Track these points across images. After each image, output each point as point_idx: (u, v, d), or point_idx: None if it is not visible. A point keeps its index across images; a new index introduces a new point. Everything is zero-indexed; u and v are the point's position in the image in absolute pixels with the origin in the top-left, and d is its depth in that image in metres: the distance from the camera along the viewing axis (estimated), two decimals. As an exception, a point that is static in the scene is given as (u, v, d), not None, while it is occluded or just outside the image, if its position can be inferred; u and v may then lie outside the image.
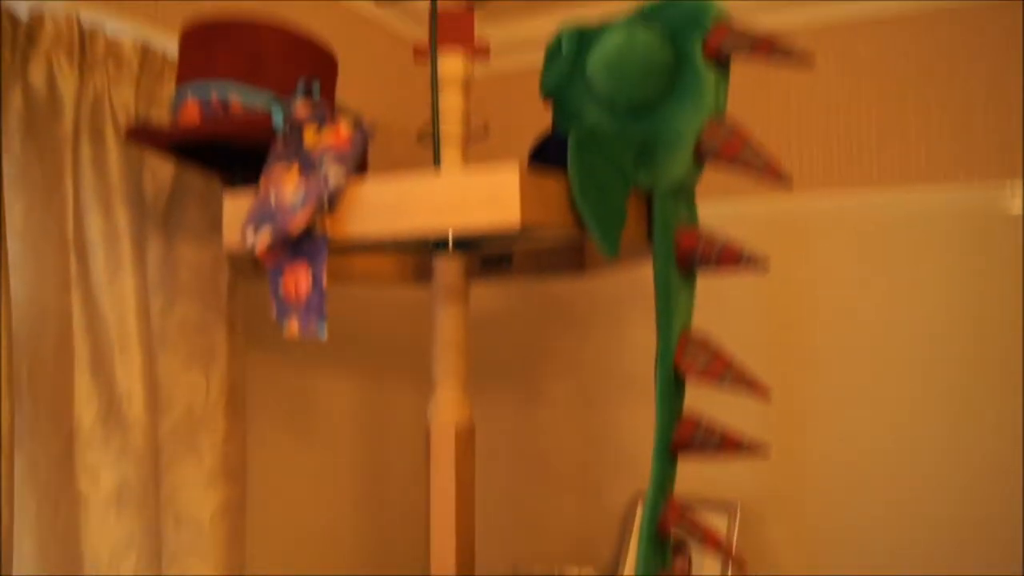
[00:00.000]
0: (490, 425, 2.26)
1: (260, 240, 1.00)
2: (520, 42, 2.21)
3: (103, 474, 1.29)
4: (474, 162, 2.19)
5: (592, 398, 2.19)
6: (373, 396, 2.00)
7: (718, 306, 1.93)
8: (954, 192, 1.84)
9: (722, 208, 1.97)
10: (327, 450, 1.86)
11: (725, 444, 1.20)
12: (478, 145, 1.54)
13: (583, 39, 1.20)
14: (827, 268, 1.94)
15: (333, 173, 1.01)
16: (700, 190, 1.25)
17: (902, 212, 1.88)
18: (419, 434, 2.05)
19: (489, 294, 2.26)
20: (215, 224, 1.41)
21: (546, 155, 1.39)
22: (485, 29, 2.23)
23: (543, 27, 2.17)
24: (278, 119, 1.03)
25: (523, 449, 2.27)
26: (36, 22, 1.21)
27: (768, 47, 1.10)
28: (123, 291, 1.29)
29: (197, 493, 1.43)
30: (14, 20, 1.18)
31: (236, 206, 1.09)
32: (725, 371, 1.17)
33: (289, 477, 1.75)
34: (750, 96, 2.01)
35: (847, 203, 1.93)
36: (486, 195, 0.97)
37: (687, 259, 1.18)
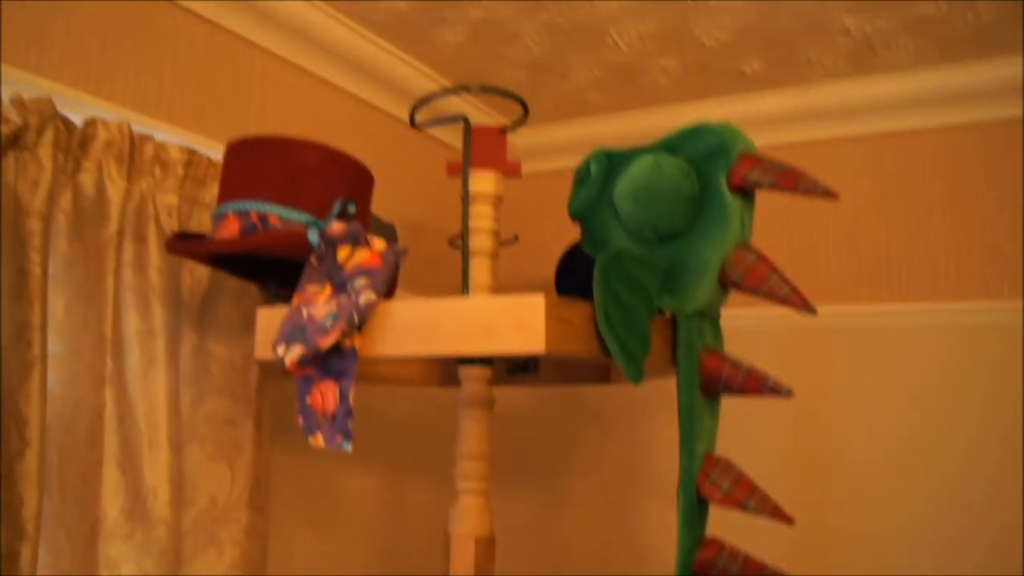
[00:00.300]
0: (511, 522, 2.24)
1: (290, 356, 1.02)
2: (555, 146, 2.26)
3: (124, 567, 1.29)
4: (505, 263, 2.22)
5: (614, 497, 2.17)
6: (397, 492, 2.00)
7: (744, 413, 1.92)
8: (982, 309, 1.83)
9: (749, 318, 1.98)
10: (349, 545, 1.85)
11: (747, 569, 1.19)
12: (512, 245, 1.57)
13: (611, 163, 1.23)
14: (854, 380, 1.93)
15: (364, 293, 1.04)
16: (727, 299, 1.26)
17: (930, 326, 1.87)
18: (442, 530, 2.04)
19: (513, 392, 2.27)
20: (248, 322, 1.44)
21: (573, 266, 1.41)
22: (521, 135, 2.30)
23: (577, 133, 2.24)
24: (314, 238, 1.07)
25: (545, 547, 2.25)
26: (90, 129, 1.26)
27: (793, 181, 1.12)
28: (155, 388, 1.32)
29: (216, 586, 1.43)
30: (69, 126, 1.24)
31: (269, 320, 1.12)
32: (748, 497, 1.16)
33: (310, 572, 1.74)
34: (777, 207, 2.03)
35: (875, 316, 1.93)
36: (512, 322, 0.99)
37: (711, 383, 1.19)
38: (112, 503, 1.29)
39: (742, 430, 1.97)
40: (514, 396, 2.29)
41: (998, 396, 1.79)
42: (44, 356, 1.18)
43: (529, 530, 2.27)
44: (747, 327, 2.00)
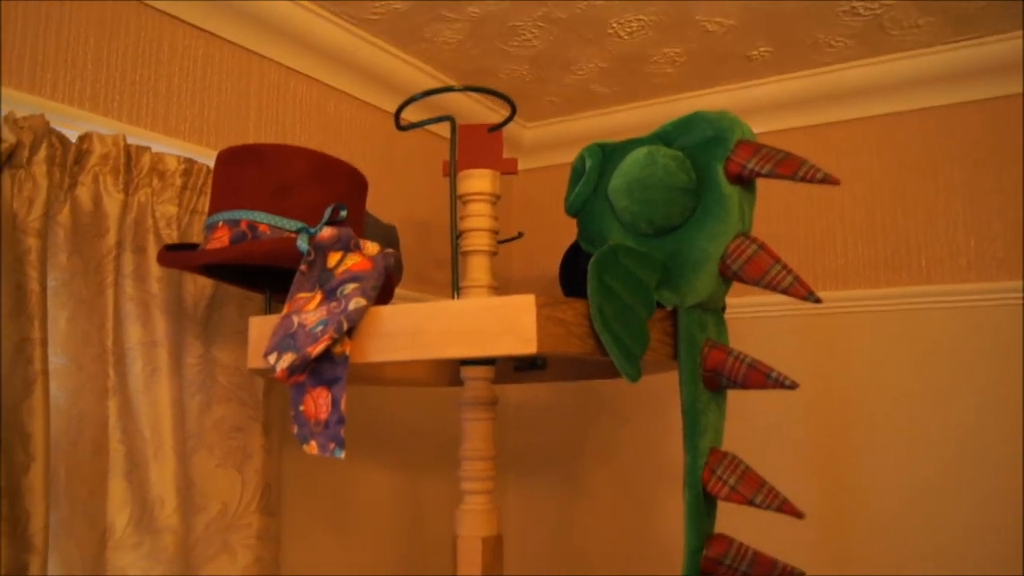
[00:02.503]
0: (529, 514, 2.23)
1: (281, 365, 1.02)
2: (563, 139, 2.25)
3: (134, 576, 1.30)
4: (517, 258, 2.20)
5: (631, 488, 2.15)
6: (412, 492, 2.00)
7: (758, 399, 1.89)
8: (1005, 289, 1.78)
9: (766, 305, 1.95)
10: (364, 546, 1.85)
11: (756, 567, 1.16)
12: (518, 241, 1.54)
13: (606, 156, 1.21)
14: (873, 365, 1.89)
15: (354, 299, 1.03)
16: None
17: (952, 308, 1.83)
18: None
19: (528, 384, 2.26)
20: (252, 328, 1.44)
21: (577, 261, 1.39)
22: (529, 129, 2.28)
23: (585, 126, 2.22)
24: (303, 245, 1.06)
25: (562, 538, 2.24)
26: (85, 143, 1.26)
27: (792, 168, 1.09)
28: (159, 398, 1.33)
29: (229, 592, 1.43)
30: (64, 142, 1.24)
31: (261, 329, 1.12)
32: (755, 492, 1.14)
33: (325, 575, 1.74)
34: (794, 191, 2.00)
35: (895, 299, 1.89)
36: (503, 325, 0.97)
37: (714, 377, 1.16)
38: (119, 514, 1.29)
39: (754, 417, 1.94)
40: (529, 389, 2.28)
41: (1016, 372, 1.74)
42: (46, 371, 1.19)
43: (547, 521, 2.25)
44: (764, 314, 1.96)
